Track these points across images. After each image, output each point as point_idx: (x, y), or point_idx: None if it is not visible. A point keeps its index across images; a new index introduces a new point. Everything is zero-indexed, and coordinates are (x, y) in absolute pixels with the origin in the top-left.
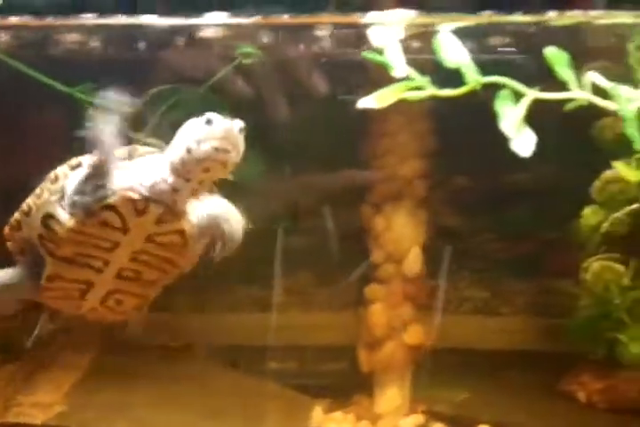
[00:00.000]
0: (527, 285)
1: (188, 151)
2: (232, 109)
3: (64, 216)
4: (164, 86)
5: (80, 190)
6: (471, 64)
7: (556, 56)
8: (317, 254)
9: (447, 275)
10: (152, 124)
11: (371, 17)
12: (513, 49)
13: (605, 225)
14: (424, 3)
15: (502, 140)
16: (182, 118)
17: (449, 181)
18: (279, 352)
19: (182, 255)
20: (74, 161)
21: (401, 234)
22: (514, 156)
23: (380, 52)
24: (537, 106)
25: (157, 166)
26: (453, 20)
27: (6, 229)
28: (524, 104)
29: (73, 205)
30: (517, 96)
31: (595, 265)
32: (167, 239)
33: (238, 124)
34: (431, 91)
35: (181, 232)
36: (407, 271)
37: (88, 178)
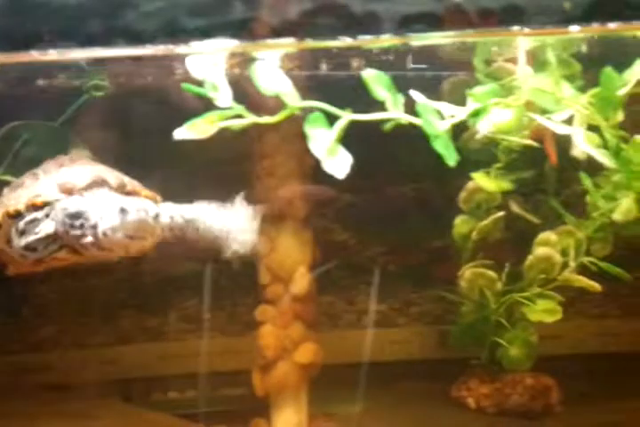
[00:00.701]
0: (419, 295)
1: (104, 235)
2: (87, 143)
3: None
4: (16, 123)
5: (30, 247)
6: (290, 90)
7: (374, 77)
8: (207, 279)
9: (341, 290)
10: (7, 162)
11: (184, 47)
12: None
13: (475, 233)
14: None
15: (383, 155)
16: (37, 155)
17: (335, 199)
18: (175, 382)
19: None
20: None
21: (286, 254)
22: (397, 169)
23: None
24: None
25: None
26: (274, 48)
27: None
28: (338, 126)
29: (22, 255)
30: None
31: (468, 272)
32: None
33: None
34: (251, 119)
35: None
36: (295, 291)
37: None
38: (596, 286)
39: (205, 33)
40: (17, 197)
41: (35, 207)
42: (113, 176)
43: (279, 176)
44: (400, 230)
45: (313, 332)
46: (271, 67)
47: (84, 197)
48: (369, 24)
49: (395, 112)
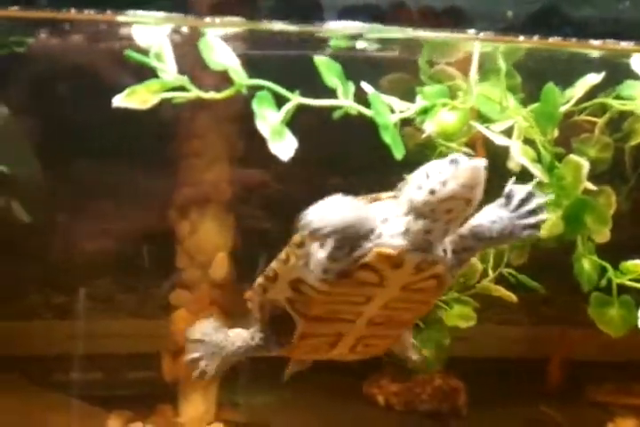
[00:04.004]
0: None
1: (432, 193)
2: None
3: (315, 281)
4: None
5: (332, 257)
6: (238, 67)
7: (326, 65)
8: (123, 259)
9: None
10: None
11: (131, 16)
12: None
13: None
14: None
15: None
16: None
17: (264, 185)
18: (81, 362)
19: (437, 295)
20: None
21: (206, 239)
22: (327, 161)
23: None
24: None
25: (397, 213)
26: (222, 26)
27: (249, 293)
28: (286, 108)
29: (325, 271)
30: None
31: None
32: (424, 285)
33: (483, 162)
34: (195, 93)
35: (438, 276)
36: (213, 276)
37: (340, 243)
38: (512, 296)
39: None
40: None
41: None
42: None
43: (207, 158)
44: None
45: (229, 319)
46: (219, 42)
47: None
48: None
49: (345, 100)
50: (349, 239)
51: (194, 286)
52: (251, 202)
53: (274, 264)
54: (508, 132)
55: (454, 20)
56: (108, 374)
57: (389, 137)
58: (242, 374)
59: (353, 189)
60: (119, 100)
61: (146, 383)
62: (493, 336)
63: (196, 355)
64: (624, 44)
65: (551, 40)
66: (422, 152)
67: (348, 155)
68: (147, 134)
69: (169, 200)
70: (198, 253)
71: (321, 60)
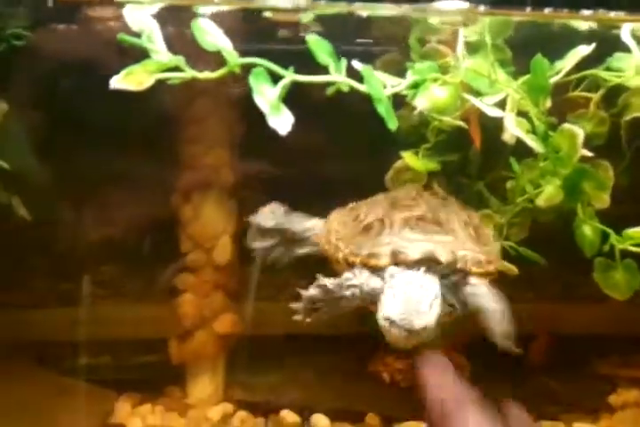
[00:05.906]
0: None
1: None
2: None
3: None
4: None
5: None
6: (230, 47)
7: (317, 43)
8: (128, 245)
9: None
10: None
11: None
12: None
13: None
14: None
15: (312, 130)
16: None
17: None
18: (89, 347)
19: None
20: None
21: (209, 223)
22: (324, 145)
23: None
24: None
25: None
26: (211, 3)
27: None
28: (281, 84)
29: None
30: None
31: None
32: None
33: (431, 324)
34: (190, 73)
35: None
36: (217, 260)
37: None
38: (513, 269)
39: None
40: (359, 243)
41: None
42: (448, 250)
43: (207, 143)
44: (327, 206)
45: (233, 302)
46: (211, 24)
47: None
48: None
49: (338, 76)
50: None
51: (199, 269)
52: (252, 186)
53: (341, 255)
54: (501, 106)
55: None
56: (116, 358)
57: (383, 109)
58: (249, 353)
59: (350, 174)
60: (116, 82)
61: (154, 367)
62: None
63: (266, 243)
64: (614, 14)
65: (546, 12)
66: (417, 131)
67: (346, 141)
68: (147, 121)
69: (171, 186)
70: (202, 238)
71: (312, 39)
